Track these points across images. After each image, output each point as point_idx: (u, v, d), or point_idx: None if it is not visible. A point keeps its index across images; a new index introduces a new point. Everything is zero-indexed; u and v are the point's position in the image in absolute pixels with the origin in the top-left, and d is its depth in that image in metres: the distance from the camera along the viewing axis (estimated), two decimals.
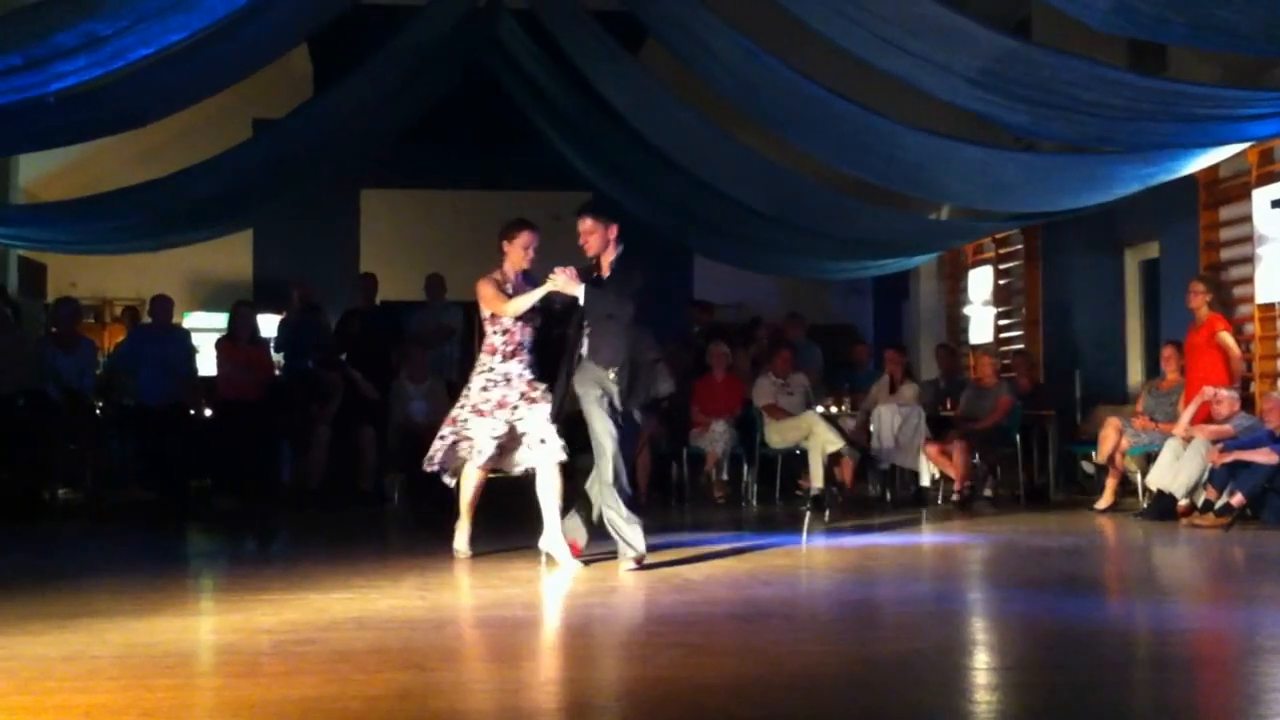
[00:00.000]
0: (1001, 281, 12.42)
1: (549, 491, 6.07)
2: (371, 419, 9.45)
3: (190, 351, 9.95)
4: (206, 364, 10.17)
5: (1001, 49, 6.77)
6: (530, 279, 6.23)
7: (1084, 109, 7.08)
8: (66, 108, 7.45)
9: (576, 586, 5.56)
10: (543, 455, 6.08)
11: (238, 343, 9.69)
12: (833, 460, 9.46)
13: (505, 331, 6.15)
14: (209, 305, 13.27)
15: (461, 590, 5.39)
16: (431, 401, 9.60)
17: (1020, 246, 12.02)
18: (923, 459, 9.51)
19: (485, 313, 6.20)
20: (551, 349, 6.27)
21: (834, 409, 9.86)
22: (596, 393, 5.96)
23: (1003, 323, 12.38)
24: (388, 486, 9.73)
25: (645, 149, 10.40)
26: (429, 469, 6.26)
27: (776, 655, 4.08)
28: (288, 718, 3.20)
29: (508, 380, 6.11)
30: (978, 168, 8.59)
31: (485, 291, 6.17)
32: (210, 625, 4.75)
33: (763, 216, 10.54)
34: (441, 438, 6.21)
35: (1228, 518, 7.60)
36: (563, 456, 6.10)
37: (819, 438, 9.32)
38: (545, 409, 6.08)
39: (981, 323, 12.65)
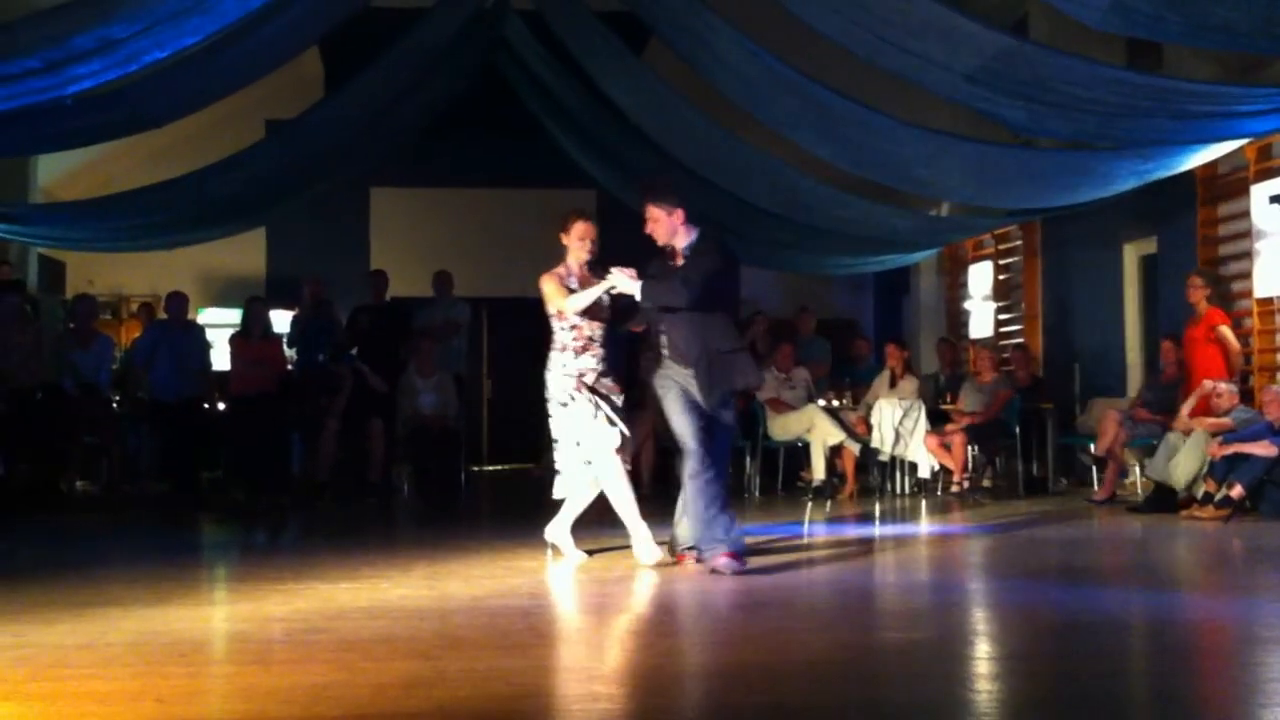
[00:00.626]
0: (1001, 276, 12.42)
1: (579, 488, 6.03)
2: (380, 412, 9.52)
3: (205, 346, 10.08)
4: (220, 359, 10.28)
5: (1000, 47, 6.78)
6: (595, 272, 5.97)
7: (1082, 106, 7.09)
8: (83, 110, 7.58)
9: (581, 576, 5.62)
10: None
11: (251, 338, 9.78)
12: (834, 452, 9.57)
13: (573, 327, 5.89)
14: (223, 301, 13.34)
15: (468, 580, 5.41)
16: (439, 395, 9.75)
17: (1020, 242, 12.02)
18: (923, 451, 9.58)
19: (551, 309, 5.95)
20: (623, 346, 6.07)
21: (835, 403, 9.96)
22: (675, 390, 5.66)
23: (1002, 317, 12.38)
24: (396, 478, 9.87)
25: (649, 147, 10.45)
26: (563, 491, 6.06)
27: (778, 644, 4.11)
28: (298, 705, 3.23)
29: (581, 375, 5.89)
30: (976, 164, 8.64)
31: (546, 288, 5.92)
32: (222, 614, 4.80)
33: (765, 213, 10.58)
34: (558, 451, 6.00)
35: (1227, 510, 7.63)
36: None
37: (820, 430, 9.43)
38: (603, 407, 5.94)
39: (981, 317, 12.64)
